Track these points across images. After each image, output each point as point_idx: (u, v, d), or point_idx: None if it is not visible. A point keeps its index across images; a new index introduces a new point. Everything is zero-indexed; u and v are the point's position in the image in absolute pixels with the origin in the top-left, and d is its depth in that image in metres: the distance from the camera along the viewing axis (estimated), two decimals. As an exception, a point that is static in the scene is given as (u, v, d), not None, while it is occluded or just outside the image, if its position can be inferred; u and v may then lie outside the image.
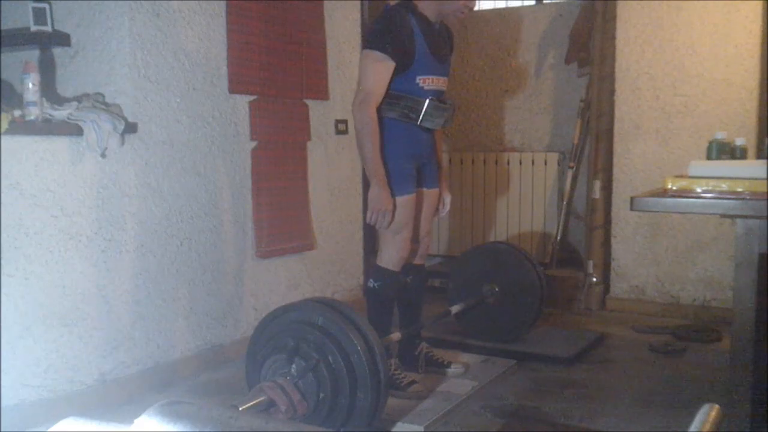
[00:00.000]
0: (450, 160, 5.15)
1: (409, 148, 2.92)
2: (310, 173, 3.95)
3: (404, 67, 2.81)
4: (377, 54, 2.76)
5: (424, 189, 3.07)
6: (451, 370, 3.15)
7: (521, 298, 3.56)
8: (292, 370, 2.29)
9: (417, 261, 3.17)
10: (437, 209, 3.21)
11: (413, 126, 2.89)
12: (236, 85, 3.46)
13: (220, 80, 3.40)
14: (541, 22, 5.09)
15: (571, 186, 4.83)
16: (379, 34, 2.78)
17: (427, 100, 2.86)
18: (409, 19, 2.82)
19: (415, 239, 3.07)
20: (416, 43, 2.82)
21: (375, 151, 2.79)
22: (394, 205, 2.85)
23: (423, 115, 2.87)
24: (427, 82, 2.88)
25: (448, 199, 3.25)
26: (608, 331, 3.95)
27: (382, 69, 2.77)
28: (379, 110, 2.84)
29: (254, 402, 2.17)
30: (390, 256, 2.94)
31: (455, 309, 3.46)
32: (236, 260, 3.51)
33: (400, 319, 3.18)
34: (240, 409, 2.08)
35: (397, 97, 2.85)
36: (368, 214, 2.83)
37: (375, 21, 2.88)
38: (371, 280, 2.98)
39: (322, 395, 2.28)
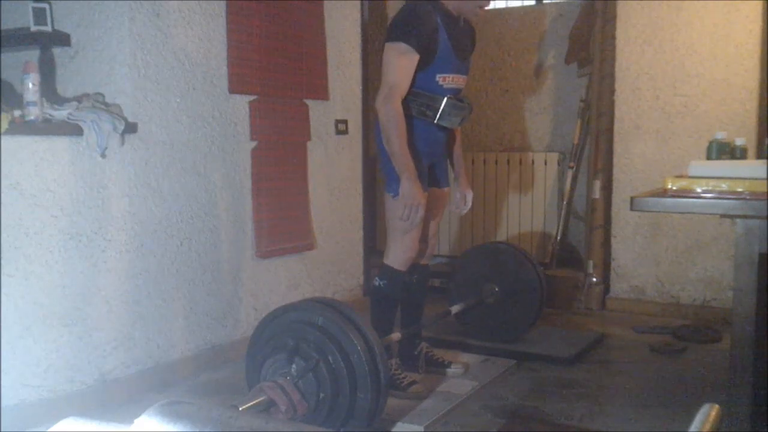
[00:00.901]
0: (450, 160, 5.15)
1: (424, 146, 2.87)
2: (310, 173, 3.95)
3: (425, 64, 2.75)
4: (402, 46, 2.69)
5: (436, 189, 3.04)
6: (451, 370, 3.15)
7: (521, 298, 3.56)
8: (292, 370, 2.29)
9: (423, 261, 3.15)
10: (456, 206, 3.20)
11: (430, 124, 2.85)
12: (236, 85, 3.46)
13: (220, 80, 3.39)
14: (541, 22, 5.09)
15: (571, 186, 4.83)
16: (404, 26, 2.71)
17: (445, 99, 2.81)
18: (434, 14, 2.76)
19: (423, 239, 3.06)
20: (440, 40, 2.76)
21: (403, 145, 2.71)
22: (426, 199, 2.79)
23: (440, 114, 2.82)
24: (447, 80, 2.83)
25: (470, 196, 3.20)
26: (608, 331, 3.95)
27: (406, 61, 2.71)
28: None
29: (254, 402, 2.17)
30: (397, 256, 2.92)
31: (455, 309, 3.46)
32: (236, 260, 3.51)
33: (401, 318, 3.17)
34: (240, 409, 2.08)
35: (415, 94, 2.80)
36: (400, 210, 2.75)
37: (398, 14, 2.79)
38: (377, 278, 2.97)
39: (322, 395, 2.28)
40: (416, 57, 2.71)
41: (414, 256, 2.98)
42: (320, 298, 2.64)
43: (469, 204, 3.22)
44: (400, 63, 2.71)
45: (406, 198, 2.73)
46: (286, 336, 2.35)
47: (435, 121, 2.84)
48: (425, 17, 2.72)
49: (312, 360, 2.28)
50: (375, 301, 3.00)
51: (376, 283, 2.96)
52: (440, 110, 2.81)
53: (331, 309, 2.37)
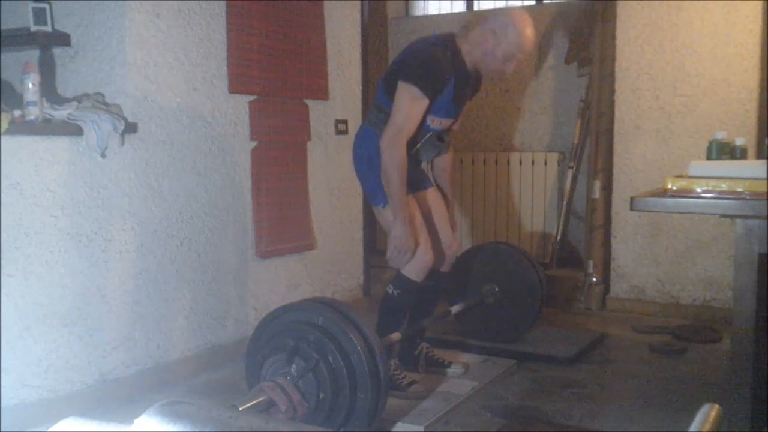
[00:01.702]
0: (450, 160, 5.15)
1: None
2: (310, 173, 3.95)
3: None
4: (417, 91, 2.72)
5: (421, 192, 3.05)
6: (451, 370, 3.15)
7: (521, 298, 3.56)
8: (292, 370, 2.28)
9: (444, 269, 3.15)
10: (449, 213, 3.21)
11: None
12: (236, 85, 3.46)
13: (220, 80, 3.39)
14: (541, 22, 5.08)
15: (571, 186, 4.83)
16: (423, 71, 2.74)
17: (427, 136, 2.87)
18: (451, 62, 2.79)
19: (438, 246, 3.05)
20: (446, 90, 2.81)
21: (402, 189, 2.77)
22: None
23: (417, 149, 2.91)
24: (436, 122, 2.89)
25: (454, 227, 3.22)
26: (608, 331, 3.95)
27: (418, 106, 2.76)
28: (376, 123, 2.86)
29: (254, 402, 2.17)
30: (413, 266, 2.90)
31: (455, 309, 3.45)
32: (236, 260, 3.51)
33: (408, 320, 3.16)
34: (240, 409, 2.08)
35: None
36: (388, 252, 2.81)
37: (419, 53, 2.78)
38: (391, 286, 2.96)
39: (322, 395, 2.28)
40: (426, 103, 2.76)
41: (431, 264, 2.94)
42: (320, 298, 2.64)
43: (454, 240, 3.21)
44: (413, 107, 2.75)
45: (397, 240, 2.79)
46: (286, 336, 2.35)
47: (411, 152, 2.88)
48: (443, 66, 2.76)
49: (312, 360, 2.28)
50: (386, 308, 2.98)
51: (390, 291, 2.95)
52: (419, 145, 2.89)
53: (331, 309, 2.37)
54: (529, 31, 2.80)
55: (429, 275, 3.02)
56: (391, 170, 2.75)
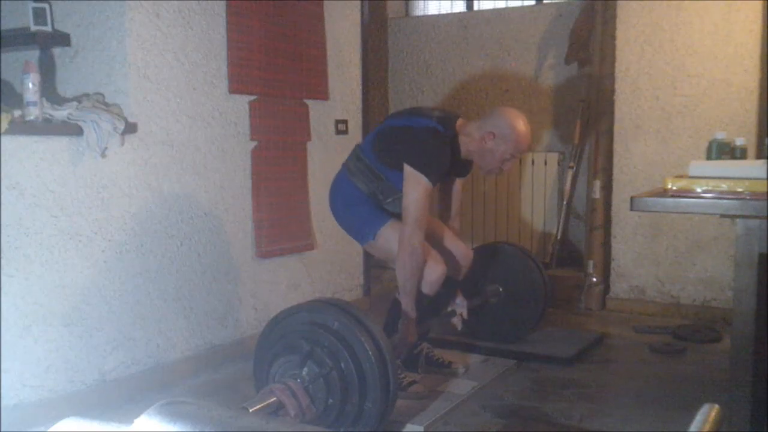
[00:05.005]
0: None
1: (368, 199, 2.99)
2: (310, 173, 3.95)
3: None
4: (426, 181, 2.78)
5: None
6: (451, 370, 3.15)
7: (524, 299, 3.56)
8: (304, 374, 2.27)
9: (459, 278, 3.18)
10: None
11: (374, 199, 2.98)
12: (236, 85, 3.46)
13: (220, 80, 3.39)
14: (541, 22, 5.09)
15: (571, 186, 4.83)
16: (432, 163, 2.80)
17: (399, 195, 2.89)
18: (449, 155, 2.85)
19: (453, 257, 3.08)
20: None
21: (416, 287, 2.83)
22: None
23: (387, 202, 2.95)
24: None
25: (464, 306, 3.22)
26: (608, 331, 3.95)
27: (428, 197, 2.82)
28: (353, 173, 2.94)
29: (264, 404, 2.16)
30: (424, 282, 2.91)
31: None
32: (236, 260, 3.51)
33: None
34: (250, 410, 2.08)
35: (377, 177, 2.91)
36: (396, 339, 2.83)
37: (427, 140, 2.82)
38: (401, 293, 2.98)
39: (330, 401, 2.26)
40: (432, 190, 2.84)
41: (443, 278, 2.95)
42: (336, 300, 2.59)
43: (465, 315, 3.22)
44: (424, 200, 2.80)
45: (403, 334, 2.85)
46: (300, 337, 2.33)
47: (380, 203, 2.96)
48: (445, 158, 2.83)
49: (325, 366, 2.26)
50: (393, 312, 3.01)
51: (399, 298, 2.96)
52: (389, 199, 2.93)
53: (347, 314, 2.35)
54: (525, 132, 2.89)
55: (446, 283, 3.03)
56: (411, 268, 2.80)
